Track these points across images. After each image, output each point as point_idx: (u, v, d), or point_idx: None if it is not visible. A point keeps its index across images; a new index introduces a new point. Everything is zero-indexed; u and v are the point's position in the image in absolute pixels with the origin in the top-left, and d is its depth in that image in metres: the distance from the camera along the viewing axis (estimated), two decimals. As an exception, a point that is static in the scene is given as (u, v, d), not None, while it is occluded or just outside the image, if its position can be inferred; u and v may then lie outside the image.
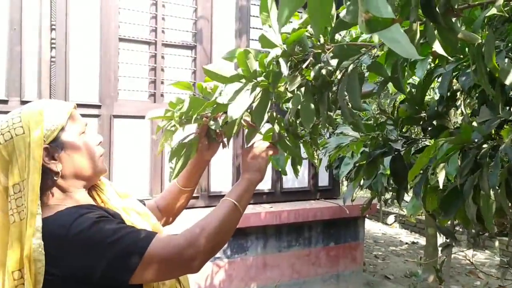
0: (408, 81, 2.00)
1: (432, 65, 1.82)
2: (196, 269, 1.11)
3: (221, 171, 4.39)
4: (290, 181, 4.81)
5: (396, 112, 1.84)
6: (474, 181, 1.23)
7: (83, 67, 3.76)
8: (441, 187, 1.26)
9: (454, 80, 1.63)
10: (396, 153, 1.77)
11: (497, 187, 1.19)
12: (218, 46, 4.33)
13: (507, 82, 1.11)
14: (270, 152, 1.40)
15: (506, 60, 1.21)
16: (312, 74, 1.33)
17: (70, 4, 3.68)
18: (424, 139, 1.83)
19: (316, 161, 1.83)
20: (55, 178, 1.13)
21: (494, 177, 1.14)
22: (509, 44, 1.28)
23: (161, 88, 4.11)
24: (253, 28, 4.51)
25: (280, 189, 4.74)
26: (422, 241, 8.02)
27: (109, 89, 3.87)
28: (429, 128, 1.79)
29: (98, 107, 3.83)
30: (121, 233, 1.06)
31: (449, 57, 1.55)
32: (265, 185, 4.67)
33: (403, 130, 1.89)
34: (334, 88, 1.48)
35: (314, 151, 1.84)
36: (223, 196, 1.29)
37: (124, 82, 3.98)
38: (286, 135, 1.49)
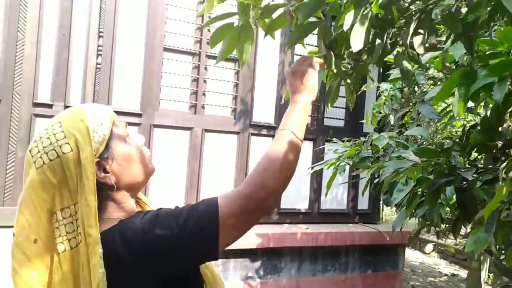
0: (481, 106, 1.83)
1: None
2: (272, 206, 1.04)
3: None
4: (328, 202, 4.63)
5: (465, 137, 1.68)
6: None
7: (127, 75, 3.74)
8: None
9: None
10: (464, 183, 1.60)
11: None
12: (261, 60, 4.25)
13: None
14: (318, 67, 1.24)
15: None
16: (381, 1, 1.23)
17: (118, 13, 3.68)
18: (496, 170, 1.65)
19: (350, 103, 1.67)
20: (109, 192, 1.01)
21: None
22: None
23: (203, 99, 4.04)
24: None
25: (318, 210, 4.57)
26: (463, 273, 7.61)
27: (151, 98, 3.83)
28: (502, 158, 1.62)
29: (139, 115, 3.80)
30: (183, 216, 0.96)
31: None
32: (302, 204, 4.51)
33: (471, 158, 1.71)
34: (394, 30, 1.38)
35: (353, 91, 1.68)
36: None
37: (166, 92, 3.94)
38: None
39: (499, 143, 1.53)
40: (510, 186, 1.26)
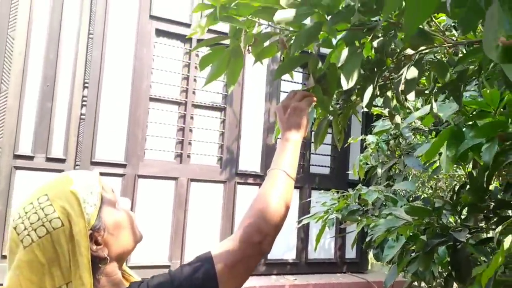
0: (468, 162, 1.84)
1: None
2: (268, 249, 1.01)
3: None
4: (316, 252, 4.55)
5: (455, 197, 1.67)
6: None
7: (111, 125, 3.71)
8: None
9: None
10: (457, 243, 1.58)
11: None
12: (247, 108, 4.27)
13: None
14: (308, 103, 1.21)
15: None
16: (375, 44, 1.23)
17: (104, 63, 3.69)
18: (488, 229, 1.64)
19: (338, 142, 1.65)
20: (101, 266, 0.93)
21: None
22: None
23: (188, 148, 4.02)
24: (284, 92, 4.46)
25: (305, 260, 4.48)
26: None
27: (136, 148, 3.79)
28: (496, 218, 1.61)
29: (123, 166, 3.74)
30: (179, 280, 0.94)
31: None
32: (289, 254, 4.42)
33: (462, 217, 1.69)
34: (385, 73, 1.40)
35: (341, 131, 1.66)
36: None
37: (151, 141, 3.90)
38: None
39: (491, 204, 1.53)
40: (505, 253, 1.24)
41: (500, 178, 2.06)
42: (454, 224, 1.68)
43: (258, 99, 4.34)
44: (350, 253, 4.76)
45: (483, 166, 1.53)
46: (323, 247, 4.62)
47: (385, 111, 2.84)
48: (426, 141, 2.88)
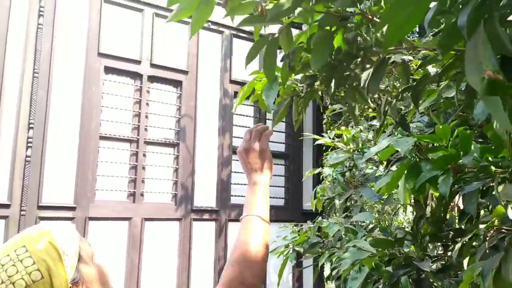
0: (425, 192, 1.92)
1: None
2: None
3: (201, 275, 4.08)
4: (274, 286, 4.52)
5: (415, 227, 1.73)
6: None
7: (59, 167, 3.56)
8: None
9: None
10: (421, 273, 1.63)
11: None
12: (201, 143, 4.25)
13: None
14: (267, 140, 1.20)
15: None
16: (345, 36, 1.28)
17: (50, 103, 3.57)
18: (448, 257, 1.71)
19: (295, 123, 1.71)
20: None
21: None
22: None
23: (142, 187, 3.92)
24: (236, 125, 4.49)
25: (264, 294, 4.43)
26: None
27: (86, 189, 3.64)
28: (453, 246, 1.68)
29: (73, 209, 3.57)
30: None
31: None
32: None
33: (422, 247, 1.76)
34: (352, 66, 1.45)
35: (300, 113, 1.73)
36: None
37: (102, 181, 3.77)
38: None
39: (450, 233, 1.60)
40: (471, 277, 1.30)
41: (456, 208, 2.17)
42: (416, 253, 1.74)
43: (211, 134, 4.34)
44: (308, 284, 4.77)
45: (439, 197, 1.61)
46: (282, 281, 4.60)
47: (338, 143, 2.93)
48: (377, 171, 2.99)
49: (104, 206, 3.71)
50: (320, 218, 2.62)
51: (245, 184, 3.89)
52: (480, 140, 1.82)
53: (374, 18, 1.28)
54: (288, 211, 4.70)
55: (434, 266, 1.73)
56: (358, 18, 1.29)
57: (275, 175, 4.66)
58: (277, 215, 4.61)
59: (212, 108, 4.38)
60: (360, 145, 2.81)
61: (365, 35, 1.37)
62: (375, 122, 3.05)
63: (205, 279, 4.10)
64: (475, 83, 0.71)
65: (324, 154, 5.64)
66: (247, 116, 4.62)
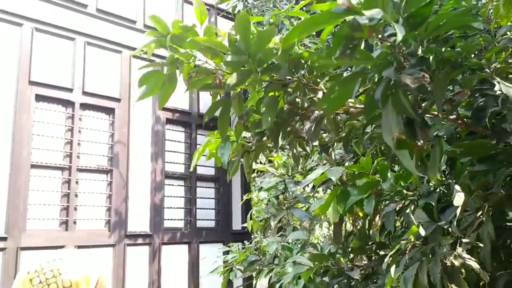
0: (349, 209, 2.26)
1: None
2: None
3: None
4: (207, 304, 4.68)
5: (345, 243, 2.06)
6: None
7: (-11, 197, 3.47)
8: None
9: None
10: (351, 281, 1.95)
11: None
12: (134, 169, 4.34)
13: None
14: None
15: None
16: (287, 99, 1.59)
17: (-21, 131, 3.49)
18: (373, 267, 2.05)
19: (247, 174, 2.01)
20: None
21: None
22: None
23: (74, 214, 3.91)
24: (168, 151, 4.64)
25: (198, 314, 4.57)
26: None
27: (17, 219, 3.58)
28: (376, 257, 2.03)
29: (4, 239, 3.49)
30: None
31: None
32: (182, 311, 4.47)
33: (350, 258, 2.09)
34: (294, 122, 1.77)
35: (251, 165, 2.05)
36: None
37: (34, 210, 3.72)
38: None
39: (373, 246, 1.95)
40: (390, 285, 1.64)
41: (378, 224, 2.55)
42: (346, 265, 2.07)
43: (144, 159, 4.44)
44: (239, 301, 4.98)
45: (364, 215, 1.95)
46: (213, 299, 4.78)
47: (270, 168, 3.23)
48: (304, 192, 3.33)
49: (37, 235, 3.66)
50: (258, 238, 2.88)
51: (178, 208, 4.11)
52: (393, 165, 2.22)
53: (309, 84, 1.61)
54: (218, 232, 4.91)
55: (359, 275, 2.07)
56: (295, 84, 1.61)
57: (207, 198, 4.87)
58: (208, 236, 4.80)
59: (144, 135, 4.50)
60: (290, 170, 3.14)
61: (302, 97, 1.71)
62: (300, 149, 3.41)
63: None
64: (389, 141, 1.04)
65: (251, 179, 5.96)
66: (178, 141, 4.79)
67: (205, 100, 5.02)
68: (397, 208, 1.93)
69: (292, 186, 3.01)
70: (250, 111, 1.72)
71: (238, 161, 1.91)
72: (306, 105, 1.80)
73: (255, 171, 5.43)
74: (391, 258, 1.40)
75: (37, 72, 3.87)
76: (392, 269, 1.39)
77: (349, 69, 2.05)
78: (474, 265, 1.20)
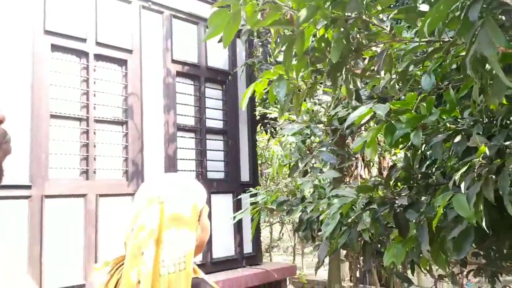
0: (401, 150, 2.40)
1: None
2: None
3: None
4: (219, 251, 4.87)
5: (389, 175, 2.22)
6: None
7: (13, 147, 3.48)
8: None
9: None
10: (396, 208, 2.12)
11: None
12: (148, 121, 4.40)
13: None
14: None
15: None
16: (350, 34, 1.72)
17: (-1, 80, 3.47)
18: (414, 196, 2.22)
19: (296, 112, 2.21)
20: None
21: None
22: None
23: (94, 164, 3.98)
24: (179, 104, 4.69)
25: (211, 260, 4.76)
26: (321, 299, 8.49)
27: (40, 168, 3.63)
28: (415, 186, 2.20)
29: (29, 187, 3.55)
30: None
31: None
32: (197, 257, 4.64)
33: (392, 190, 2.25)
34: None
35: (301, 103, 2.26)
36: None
37: (55, 160, 3.77)
38: None
39: (419, 176, 2.11)
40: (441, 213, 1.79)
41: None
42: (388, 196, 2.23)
43: (157, 112, 4.49)
44: (248, 248, 5.20)
45: (414, 149, 2.10)
46: (225, 246, 4.97)
47: (293, 116, 3.35)
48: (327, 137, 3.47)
49: (59, 184, 3.73)
50: (289, 179, 3.02)
51: (190, 159, 4.23)
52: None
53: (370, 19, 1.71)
54: (227, 183, 5.06)
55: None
56: (358, 21, 1.71)
57: (216, 150, 4.98)
58: (218, 187, 4.95)
59: (156, 87, 4.53)
60: (315, 116, 3.26)
61: (362, 33, 1.80)
62: (321, 97, 3.52)
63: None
64: (493, 55, 1.16)
65: (269, 126, 6.07)
66: (188, 94, 4.84)
67: (213, 53, 5.04)
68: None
69: (318, 130, 3.14)
70: (313, 49, 1.82)
71: (291, 98, 2.01)
72: (365, 42, 1.91)
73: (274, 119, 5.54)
74: (459, 176, 1.55)
75: (52, 21, 3.82)
76: (462, 185, 1.54)
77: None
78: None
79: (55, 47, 3.85)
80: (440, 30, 1.51)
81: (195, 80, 4.93)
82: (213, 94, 5.08)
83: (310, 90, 2.08)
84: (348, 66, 1.93)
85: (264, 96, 6.51)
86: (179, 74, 4.75)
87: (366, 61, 2.12)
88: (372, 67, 2.36)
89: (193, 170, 4.79)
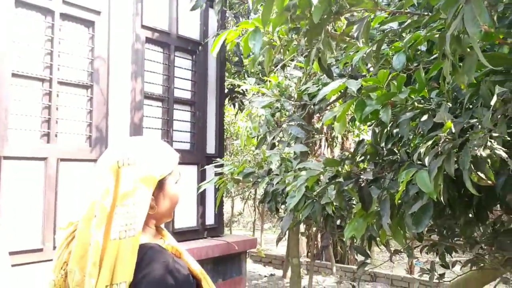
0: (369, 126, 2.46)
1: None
2: None
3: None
4: (181, 221, 4.88)
5: (356, 150, 2.27)
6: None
7: (-30, 103, 3.33)
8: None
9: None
10: (361, 182, 2.18)
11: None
12: (114, 87, 4.29)
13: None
14: None
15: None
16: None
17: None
18: (379, 172, 2.28)
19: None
20: None
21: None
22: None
23: (56, 127, 3.86)
24: (147, 71, 4.59)
25: (172, 230, 4.76)
26: (278, 272, 8.70)
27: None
28: (381, 162, 2.26)
29: (-14, 148, 3.41)
30: None
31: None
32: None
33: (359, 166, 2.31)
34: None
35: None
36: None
37: (15, 121, 3.63)
38: None
39: (384, 152, 2.17)
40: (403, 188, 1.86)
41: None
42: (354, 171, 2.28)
43: (124, 78, 4.38)
44: (210, 219, 5.23)
45: (382, 125, 2.15)
46: (187, 217, 4.98)
47: (263, 89, 3.35)
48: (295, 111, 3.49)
49: (19, 146, 3.60)
50: (256, 151, 3.04)
51: (156, 128, 4.20)
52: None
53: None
54: (193, 154, 5.03)
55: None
56: None
57: (183, 121, 4.93)
58: (184, 158, 4.90)
59: (124, 52, 4.40)
60: (285, 90, 3.28)
61: None
62: (292, 72, 3.53)
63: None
64: (475, 34, 1.19)
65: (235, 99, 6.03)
66: (157, 62, 4.74)
67: (184, 22, 4.94)
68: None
69: (288, 105, 3.16)
70: (295, 5, 1.81)
71: (269, 53, 2.01)
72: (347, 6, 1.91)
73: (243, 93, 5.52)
74: (424, 149, 1.60)
75: (15, -26, 3.62)
76: (426, 159, 1.60)
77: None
78: (502, 154, 1.43)
79: (19, 3, 3.66)
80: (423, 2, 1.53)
81: (164, 48, 4.83)
82: (183, 64, 5.00)
83: (285, 48, 2.08)
84: (326, 28, 1.93)
85: (234, 70, 6.48)
86: (148, 40, 4.63)
87: (344, 26, 2.13)
88: (351, 33, 2.38)
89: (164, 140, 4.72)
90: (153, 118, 4.65)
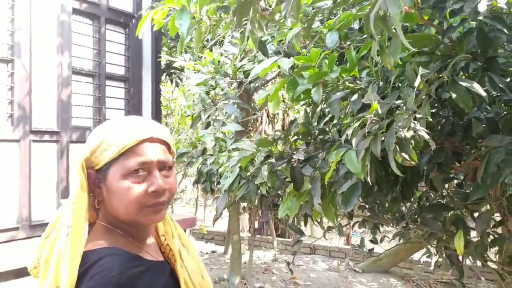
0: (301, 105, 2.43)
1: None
2: None
3: (44, 197, 4.01)
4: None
5: (288, 130, 2.25)
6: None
7: None
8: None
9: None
10: (293, 163, 2.16)
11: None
12: (38, 61, 3.99)
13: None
14: None
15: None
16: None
17: None
18: (312, 151, 2.28)
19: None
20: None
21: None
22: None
23: (-28, 106, 3.54)
24: (75, 45, 4.31)
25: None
26: (220, 249, 8.73)
27: None
28: (313, 141, 2.26)
29: None
30: None
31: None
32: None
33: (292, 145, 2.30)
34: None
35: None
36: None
37: None
38: None
39: (316, 132, 2.16)
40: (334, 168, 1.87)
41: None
42: (287, 151, 2.27)
43: (49, 51, 4.08)
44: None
45: (314, 104, 2.14)
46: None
47: (198, 66, 3.24)
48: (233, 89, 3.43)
49: None
50: (190, 131, 2.95)
51: (86, 106, 4.00)
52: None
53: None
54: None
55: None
56: None
57: (116, 98, 4.72)
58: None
59: (49, 24, 4.09)
60: (220, 68, 3.19)
61: None
62: (228, 49, 3.44)
63: (47, 201, 4.04)
64: (396, 13, 1.17)
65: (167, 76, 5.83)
66: (86, 35, 4.46)
67: (115, -8, 4.66)
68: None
69: (222, 82, 3.08)
70: None
71: (199, 33, 1.92)
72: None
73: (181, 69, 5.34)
74: (352, 131, 1.60)
75: None
76: (354, 140, 1.60)
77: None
78: (425, 135, 1.45)
79: None
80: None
81: (94, 20, 4.54)
82: (115, 38, 4.74)
83: (214, 27, 1.99)
84: (256, 7, 1.86)
85: (171, 44, 6.26)
86: (76, 11, 4.33)
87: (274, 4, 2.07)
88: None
89: (90, 118, 4.49)
90: (83, 95, 4.40)
